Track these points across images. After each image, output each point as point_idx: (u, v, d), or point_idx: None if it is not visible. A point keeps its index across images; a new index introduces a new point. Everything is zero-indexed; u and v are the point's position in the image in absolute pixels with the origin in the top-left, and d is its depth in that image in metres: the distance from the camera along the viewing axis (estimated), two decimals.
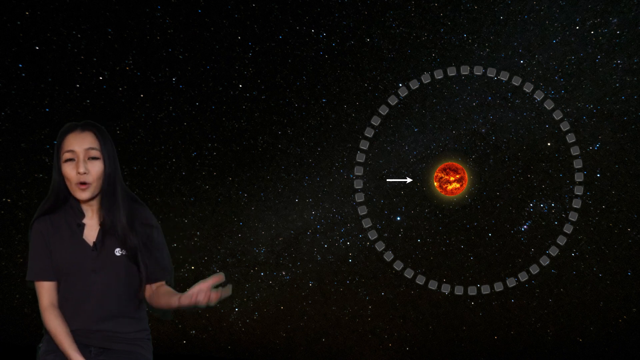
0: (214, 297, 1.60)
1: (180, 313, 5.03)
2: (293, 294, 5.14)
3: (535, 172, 4.86)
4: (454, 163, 4.91)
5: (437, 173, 4.91)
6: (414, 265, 4.97)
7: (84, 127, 1.72)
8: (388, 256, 4.84)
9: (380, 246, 4.84)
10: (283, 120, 5.00)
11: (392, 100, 4.68)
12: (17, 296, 4.93)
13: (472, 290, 4.80)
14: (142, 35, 4.75)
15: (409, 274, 4.83)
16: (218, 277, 1.62)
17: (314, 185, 5.10)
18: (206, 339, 5.13)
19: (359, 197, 4.80)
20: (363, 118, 4.95)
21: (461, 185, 4.91)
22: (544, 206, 4.88)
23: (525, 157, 4.87)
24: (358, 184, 4.77)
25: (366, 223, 4.82)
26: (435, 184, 4.92)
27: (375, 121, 4.66)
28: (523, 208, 4.92)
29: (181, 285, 5.08)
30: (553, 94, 4.74)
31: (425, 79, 4.63)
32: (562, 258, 4.80)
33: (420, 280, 4.83)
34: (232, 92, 4.93)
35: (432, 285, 4.82)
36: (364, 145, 4.72)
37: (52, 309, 1.72)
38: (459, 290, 4.85)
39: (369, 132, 4.68)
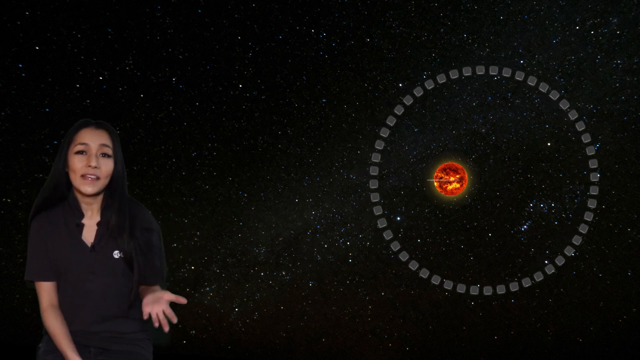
0: (164, 322, 1.60)
1: (181, 313, 5.03)
2: (293, 294, 5.15)
3: (535, 172, 4.86)
4: (454, 163, 4.91)
5: (437, 173, 4.91)
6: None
7: (99, 125, 1.74)
8: (403, 256, 4.83)
9: (395, 246, 4.84)
10: (283, 120, 5.00)
11: (408, 101, 4.68)
12: (17, 296, 4.93)
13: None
14: (142, 35, 4.75)
15: (424, 273, 4.83)
16: (182, 299, 1.63)
17: (314, 185, 5.10)
18: (206, 339, 5.13)
19: (374, 197, 4.79)
20: (363, 118, 4.95)
21: (461, 185, 4.91)
22: (544, 206, 4.88)
23: (525, 157, 4.87)
24: (373, 184, 4.76)
25: (381, 223, 4.82)
26: (435, 184, 4.92)
27: (391, 121, 4.67)
28: (523, 208, 4.92)
29: (181, 285, 5.07)
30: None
31: (441, 79, 4.63)
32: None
33: (436, 280, 4.82)
34: (232, 92, 4.94)
35: (448, 285, 4.81)
36: (379, 145, 4.73)
37: (51, 309, 1.72)
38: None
39: (384, 132, 4.69)
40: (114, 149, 1.72)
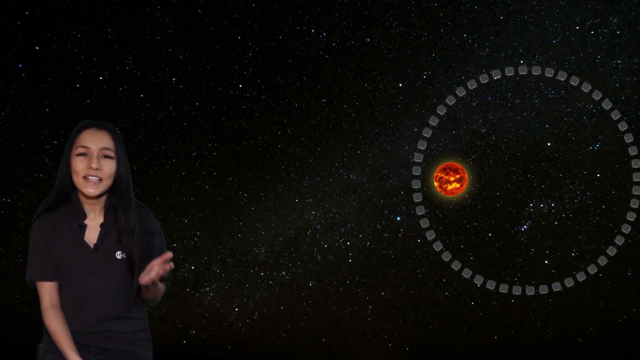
0: (166, 267, 1.65)
1: (180, 313, 5.03)
2: (293, 294, 5.15)
3: (535, 172, 4.86)
4: (454, 163, 4.91)
5: (437, 173, 4.91)
6: (414, 264, 4.97)
7: (100, 126, 1.72)
8: (446, 256, 4.83)
9: (437, 246, 4.84)
10: (283, 120, 5.00)
11: (450, 100, 4.69)
12: (17, 296, 4.93)
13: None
14: (142, 35, 4.75)
15: (467, 273, 4.82)
16: (167, 254, 1.67)
17: (314, 185, 5.11)
18: (206, 339, 5.13)
19: (417, 197, 4.79)
20: (363, 118, 4.96)
21: (461, 185, 4.91)
22: (544, 206, 4.88)
23: (525, 157, 4.87)
24: (416, 184, 4.76)
25: (423, 223, 4.82)
26: (435, 184, 4.92)
27: (434, 121, 4.68)
28: (523, 208, 4.92)
29: (181, 286, 5.08)
30: (553, 93, 4.74)
31: (484, 78, 4.63)
32: (562, 258, 4.81)
33: (478, 280, 4.80)
34: (232, 92, 4.94)
35: (482, 283, 4.79)
36: (422, 145, 4.73)
37: (52, 309, 1.72)
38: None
39: (427, 132, 4.69)
40: (116, 150, 1.72)
